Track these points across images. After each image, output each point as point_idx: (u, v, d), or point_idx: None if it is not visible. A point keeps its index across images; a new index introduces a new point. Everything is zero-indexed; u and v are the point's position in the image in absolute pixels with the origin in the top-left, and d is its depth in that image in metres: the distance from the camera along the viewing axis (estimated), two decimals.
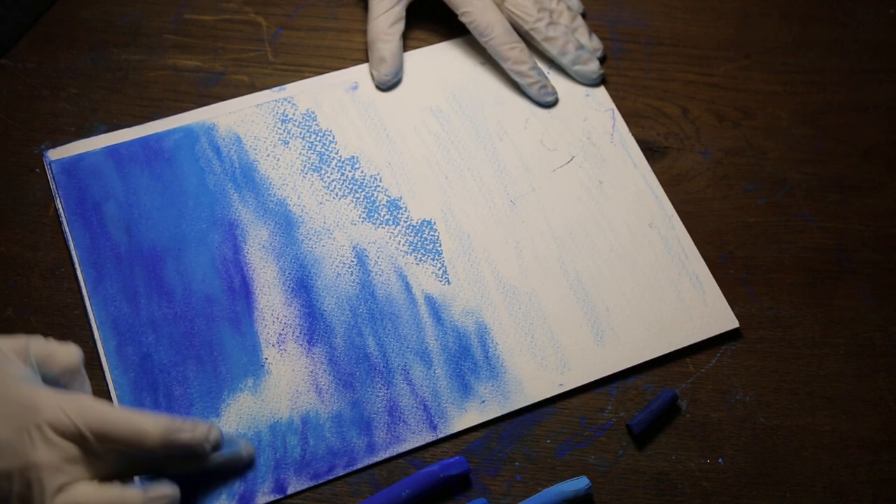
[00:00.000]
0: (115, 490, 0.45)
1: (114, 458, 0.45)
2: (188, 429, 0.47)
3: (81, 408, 0.45)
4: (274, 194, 0.60)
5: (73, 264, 0.57)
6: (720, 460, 0.53)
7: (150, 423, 0.46)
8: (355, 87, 0.65)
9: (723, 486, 0.52)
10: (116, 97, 0.64)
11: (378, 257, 0.58)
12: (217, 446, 0.49)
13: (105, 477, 0.45)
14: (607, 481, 0.52)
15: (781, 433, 0.54)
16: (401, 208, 0.60)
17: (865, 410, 0.55)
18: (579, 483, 0.51)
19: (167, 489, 0.46)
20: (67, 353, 0.47)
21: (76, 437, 0.44)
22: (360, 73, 0.66)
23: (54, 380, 0.47)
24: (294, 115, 0.64)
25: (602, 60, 0.67)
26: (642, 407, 0.54)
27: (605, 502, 0.52)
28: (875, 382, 0.56)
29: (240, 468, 0.51)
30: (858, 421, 0.55)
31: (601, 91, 0.66)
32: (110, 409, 0.46)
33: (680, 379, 0.56)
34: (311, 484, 0.51)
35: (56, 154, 0.61)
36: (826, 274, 0.60)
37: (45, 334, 0.54)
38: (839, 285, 0.59)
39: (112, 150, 0.61)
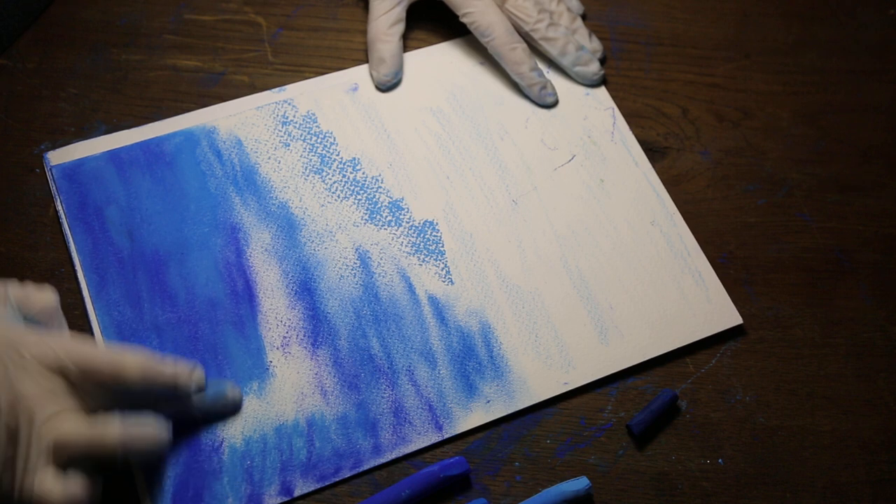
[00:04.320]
0: (97, 423, 0.46)
1: (98, 392, 0.47)
2: (169, 366, 0.48)
3: (63, 343, 0.46)
4: (276, 197, 0.60)
5: (73, 265, 0.57)
6: (720, 460, 0.54)
7: (130, 361, 0.47)
8: (355, 89, 0.65)
9: (723, 486, 0.53)
10: (116, 97, 0.64)
11: (381, 258, 0.59)
12: (200, 387, 0.50)
13: (91, 409, 0.47)
14: (607, 481, 0.53)
15: (781, 433, 0.55)
16: (403, 209, 0.61)
17: (865, 410, 0.55)
18: (579, 483, 0.51)
19: (151, 429, 0.47)
20: (44, 296, 0.49)
21: (60, 371, 0.46)
22: (360, 74, 0.66)
23: (33, 321, 0.48)
24: (294, 116, 0.64)
25: (602, 61, 0.67)
26: (642, 407, 0.55)
27: (605, 502, 0.52)
28: (875, 382, 0.56)
29: (227, 412, 0.52)
30: (858, 421, 0.55)
31: (601, 90, 0.66)
32: (91, 344, 0.47)
33: (680, 379, 0.56)
34: (318, 486, 0.52)
35: (56, 158, 0.61)
36: (826, 274, 0.60)
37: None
38: (839, 285, 0.60)
39: (113, 155, 0.61)
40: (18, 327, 0.47)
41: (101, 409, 0.47)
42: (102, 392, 0.47)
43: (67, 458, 0.45)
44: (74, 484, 0.45)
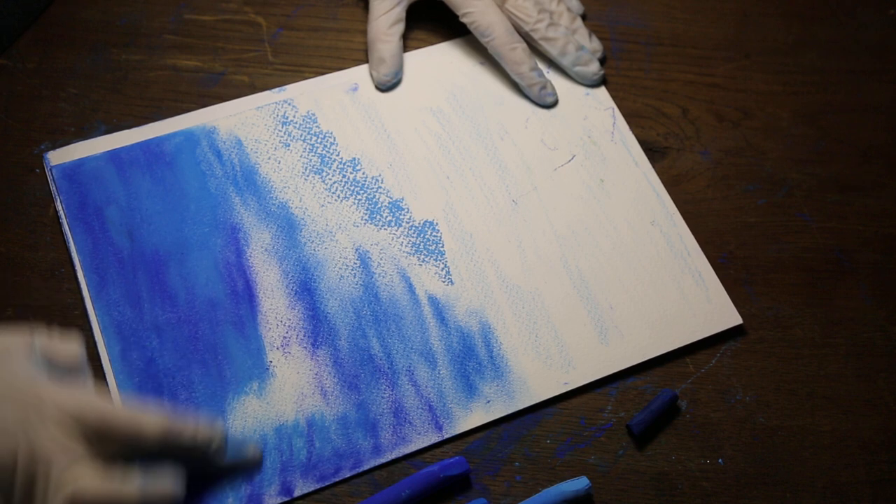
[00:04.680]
0: (115, 477, 0.45)
1: (115, 449, 0.46)
2: (190, 430, 0.48)
3: (83, 402, 0.46)
4: (276, 197, 0.60)
5: (73, 266, 0.57)
6: (720, 460, 0.54)
7: (149, 421, 0.46)
8: (355, 89, 0.65)
9: (723, 486, 0.53)
10: (116, 97, 0.64)
11: (381, 259, 0.59)
12: (221, 449, 0.49)
13: (109, 461, 0.46)
14: (607, 481, 0.53)
15: (781, 433, 0.55)
16: (403, 209, 0.61)
17: (865, 410, 0.55)
18: (579, 483, 0.51)
19: (167, 485, 0.46)
20: (70, 349, 0.48)
21: (79, 424, 0.45)
22: (360, 74, 0.66)
23: (57, 373, 0.48)
24: (294, 117, 0.64)
25: (602, 61, 0.67)
26: (642, 407, 0.55)
27: (605, 502, 0.52)
28: (875, 382, 0.56)
29: (247, 471, 0.52)
30: (858, 421, 0.55)
31: (601, 90, 0.66)
32: (111, 403, 0.47)
33: (680, 379, 0.56)
34: (318, 486, 0.52)
35: (56, 158, 0.61)
36: (826, 274, 0.60)
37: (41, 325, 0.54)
38: (839, 285, 0.60)
39: (113, 155, 0.61)
40: (40, 384, 0.46)
41: (119, 460, 0.46)
42: (119, 444, 0.46)
43: None
44: None
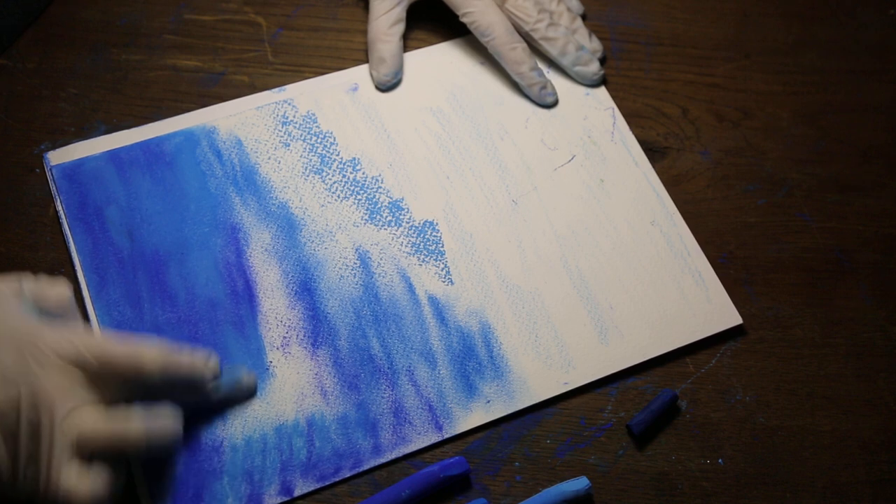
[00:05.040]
0: (119, 417, 0.46)
1: (116, 384, 0.47)
2: (186, 357, 0.48)
3: (81, 337, 0.46)
4: (276, 197, 0.60)
5: (73, 266, 0.57)
6: (720, 460, 0.54)
7: (148, 354, 0.47)
8: (355, 89, 0.65)
9: (723, 487, 0.53)
10: (116, 97, 0.64)
11: (381, 259, 0.59)
12: (216, 374, 0.50)
13: (109, 402, 0.47)
14: (607, 481, 0.53)
15: (781, 433, 0.55)
16: (403, 209, 0.61)
17: (865, 410, 0.55)
18: (579, 483, 0.51)
19: (168, 422, 0.47)
20: (58, 289, 0.49)
21: (78, 364, 0.46)
22: (360, 74, 0.66)
23: (48, 317, 0.48)
24: (295, 117, 0.64)
25: (602, 61, 0.67)
26: (642, 407, 0.55)
27: (605, 502, 0.52)
28: (875, 382, 0.56)
29: (242, 398, 0.53)
30: (858, 421, 0.55)
31: (601, 90, 0.66)
32: (109, 338, 0.47)
33: (680, 379, 0.56)
34: (318, 486, 0.52)
35: (56, 158, 0.61)
36: (826, 274, 0.60)
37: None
38: (839, 285, 0.60)
39: (113, 155, 0.61)
40: (36, 323, 0.47)
41: (119, 400, 0.47)
42: (121, 383, 0.47)
43: (91, 453, 0.45)
44: (99, 479, 0.45)
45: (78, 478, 0.45)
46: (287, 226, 0.59)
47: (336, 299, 0.57)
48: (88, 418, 0.45)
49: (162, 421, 0.47)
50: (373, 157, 0.62)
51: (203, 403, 0.52)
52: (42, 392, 0.44)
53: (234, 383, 0.52)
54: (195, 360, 0.49)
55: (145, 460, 0.51)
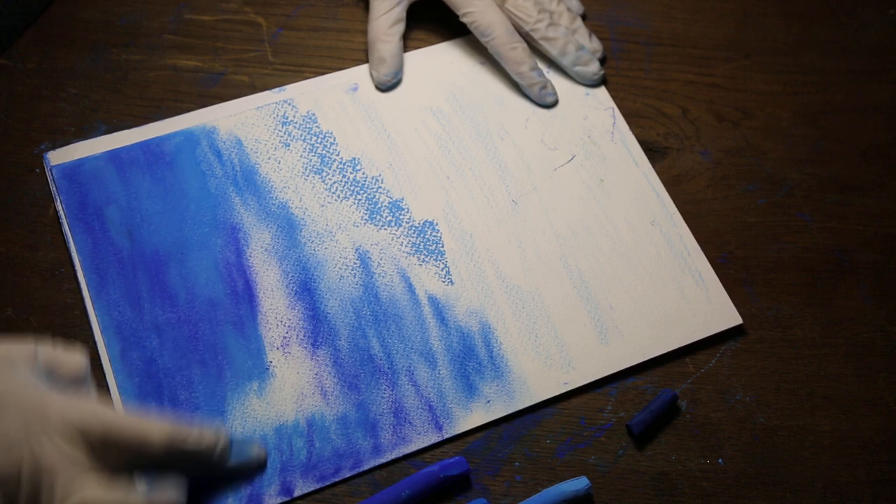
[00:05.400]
0: (121, 488, 0.45)
1: (120, 458, 0.46)
2: (194, 436, 0.48)
3: (87, 412, 0.46)
4: (276, 197, 0.60)
5: (73, 266, 0.57)
6: (720, 460, 0.54)
7: (154, 429, 0.46)
8: (355, 89, 0.65)
9: (723, 486, 0.53)
10: (116, 97, 0.64)
11: (381, 259, 0.59)
12: (225, 454, 0.49)
13: (113, 471, 0.46)
14: (607, 481, 0.53)
15: (781, 433, 0.55)
16: (403, 209, 0.61)
17: (865, 410, 0.55)
18: (579, 483, 0.51)
19: (171, 494, 0.46)
20: (74, 362, 0.48)
21: (84, 433, 0.45)
22: (360, 74, 0.66)
23: (60, 384, 0.48)
24: (294, 117, 0.64)
25: (602, 61, 0.67)
26: (642, 407, 0.55)
27: (605, 502, 0.52)
28: (875, 382, 0.56)
29: (251, 472, 0.51)
30: (858, 421, 0.55)
31: (601, 90, 0.66)
32: (115, 413, 0.47)
33: (680, 379, 0.56)
34: (318, 486, 0.52)
35: (56, 158, 0.61)
36: (826, 274, 0.60)
37: (45, 335, 0.54)
38: (839, 285, 0.60)
39: (113, 155, 0.61)
40: (43, 395, 0.46)
41: (123, 470, 0.46)
42: (126, 457, 0.46)
43: None
44: None
45: None
46: (287, 226, 0.59)
47: (336, 299, 0.57)
48: (90, 487, 0.44)
49: (165, 493, 0.46)
50: (373, 157, 0.62)
51: (210, 476, 0.51)
52: (45, 459, 0.44)
53: (244, 458, 0.51)
54: (203, 437, 0.48)
55: None
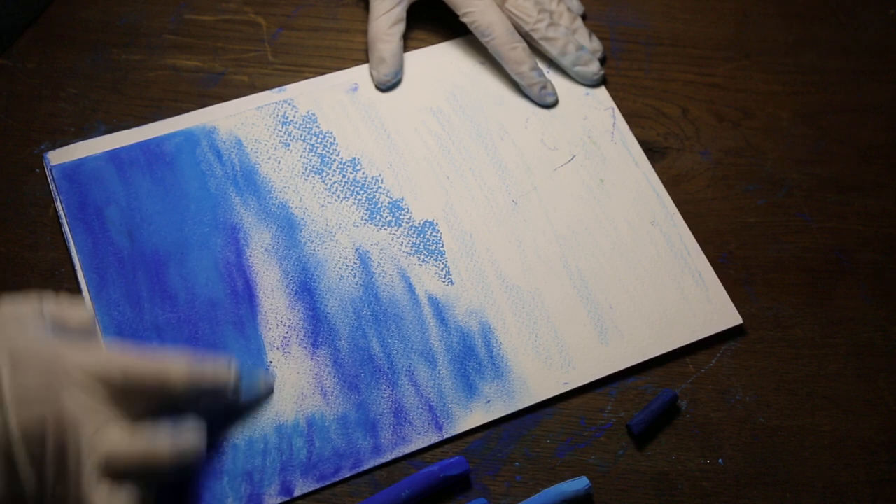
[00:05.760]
0: (145, 436, 0.45)
1: (141, 399, 0.46)
2: (209, 366, 0.48)
3: (105, 361, 0.46)
4: (276, 197, 0.60)
5: (73, 265, 0.57)
6: (720, 460, 0.54)
7: (174, 366, 0.47)
8: (355, 89, 0.65)
9: (723, 487, 0.53)
10: (116, 97, 0.64)
11: (381, 259, 0.59)
12: (238, 387, 0.50)
13: (135, 417, 0.46)
14: (607, 481, 0.53)
15: (781, 433, 0.55)
16: (403, 209, 0.61)
17: (865, 410, 0.55)
18: (579, 483, 0.51)
19: (194, 435, 0.46)
20: (80, 313, 0.49)
21: (103, 382, 0.45)
22: (360, 74, 0.66)
23: (70, 338, 0.47)
24: (294, 117, 0.64)
25: (602, 61, 0.67)
26: (642, 407, 0.55)
27: (605, 502, 0.52)
28: (875, 382, 0.56)
29: (262, 398, 0.53)
30: (858, 421, 0.55)
31: (601, 90, 0.66)
32: (133, 354, 0.47)
33: (680, 379, 0.56)
34: (318, 486, 0.52)
35: (56, 157, 0.61)
36: (826, 274, 0.60)
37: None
38: (839, 285, 0.60)
39: (113, 155, 0.61)
40: (58, 343, 0.46)
41: (144, 415, 0.46)
42: (146, 398, 0.46)
43: (120, 472, 0.45)
44: (130, 499, 0.44)
45: (109, 498, 0.44)
46: (287, 226, 0.59)
47: (336, 299, 0.57)
48: (116, 437, 0.45)
49: (188, 436, 0.46)
50: (373, 157, 0.62)
51: (226, 410, 0.51)
52: (67, 412, 0.44)
53: (254, 386, 0.52)
54: (218, 368, 0.49)
55: (170, 481, 0.50)
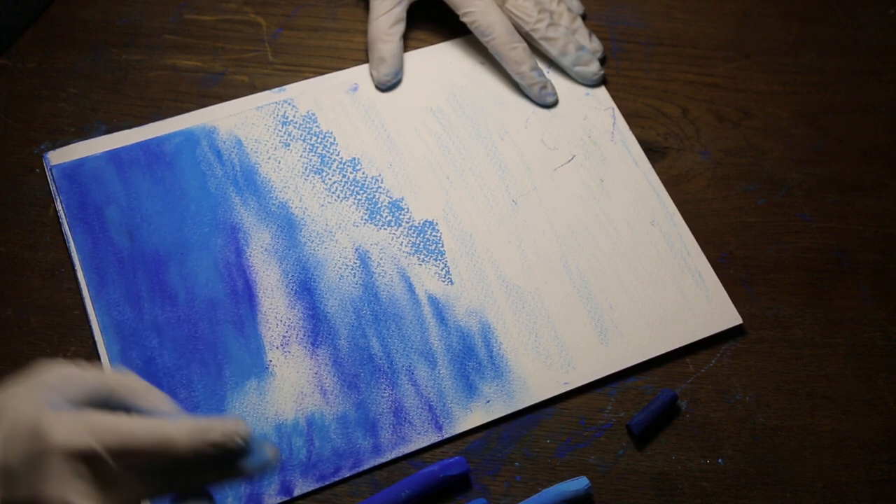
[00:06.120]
0: None
1: (133, 479, 0.41)
2: (216, 425, 0.41)
3: (95, 423, 0.40)
4: (276, 197, 0.60)
5: (73, 265, 0.57)
6: (720, 460, 0.54)
7: (174, 427, 0.40)
8: (355, 89, 0.65)
9: (723, 486, 0.53)
10: (116, 97, 0.64)
11: (381, 258, 0.59)
12: (247, 440, 0.42)
13: (124, 502, 0.40)
14: (607, 481, 0.53)
15: (781, 433, 0.55)
16: (403, 209, 0.61)
17: (865, 410, 0.55)
18: (579, 483, 0.51)
19: None
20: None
21: (91, 459, 0.40)
22: (360, 74, 0.66)
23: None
24: (294, 116, 0.64)
25: (602, 61, 0.67)
26: (642, 407, 0.55)
27: (605, 502, 0.52)
28: (875, 382, 0.56)
29: (267, 472, 0.44)
30: (858, 421, 0.55)
31: (601, 90, 0.66)
32: (127, 419, 0.41)
33: (680, 379, 0.56)
34: (318, 486, 0.52)
35: (56, 157, 0.61)
36: (826, 274, 0.60)
37: (45, 334, 0.55)
38: (839, 285, 0.60)
39: (113, 155, 0.61)
40: (50, 413, 0.40)
41: (137, 497, 0.41)
42: (140, 476, 0.40)
43: None
44: None
45: None
46: (287, 226, 0.59)
47: (336, 299, 0.57)
48: None
49: None
50: (373, 157, 0.62)
51: (230, 482, 0.44)
52: (42, 496, 0.38)
53: (262, 457, 0.43)
54: (226, 428, 0.41)
55: None
